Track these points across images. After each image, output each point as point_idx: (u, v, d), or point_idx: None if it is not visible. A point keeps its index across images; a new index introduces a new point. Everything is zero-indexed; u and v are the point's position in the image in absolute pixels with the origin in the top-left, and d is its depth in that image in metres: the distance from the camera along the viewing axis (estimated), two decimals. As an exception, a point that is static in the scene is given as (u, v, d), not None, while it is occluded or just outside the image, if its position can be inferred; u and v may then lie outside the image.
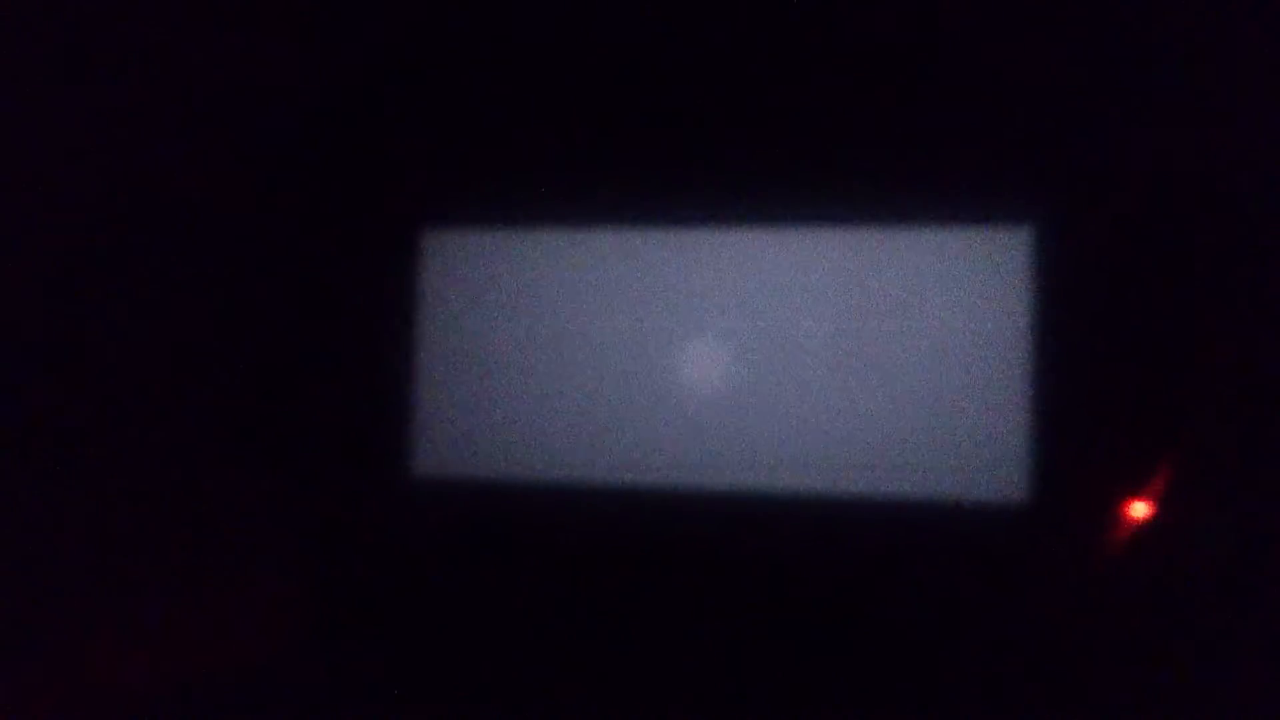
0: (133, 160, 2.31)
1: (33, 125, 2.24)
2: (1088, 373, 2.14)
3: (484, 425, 2.40)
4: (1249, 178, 2.08)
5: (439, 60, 2.38)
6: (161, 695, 2.23)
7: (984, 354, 2.20)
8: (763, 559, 2.26)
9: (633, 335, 2.35)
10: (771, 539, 2.26)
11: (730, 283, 2.32)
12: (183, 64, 2.31)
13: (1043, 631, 2.12)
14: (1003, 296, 2.20)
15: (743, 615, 2.26)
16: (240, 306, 2.38)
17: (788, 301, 2.30)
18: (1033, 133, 2.17)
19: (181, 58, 2.30)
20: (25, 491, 2.22)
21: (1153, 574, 2.09)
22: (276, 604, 2.37)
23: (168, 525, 2.33)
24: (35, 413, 2.23)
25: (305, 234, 2.41)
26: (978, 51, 2.19)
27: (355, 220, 2.41)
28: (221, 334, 2.37)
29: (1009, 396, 2.18)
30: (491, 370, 2.40)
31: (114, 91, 2.28)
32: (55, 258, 2.27)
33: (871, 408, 2.25)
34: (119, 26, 2.29)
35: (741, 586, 2.26)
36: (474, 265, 2.41)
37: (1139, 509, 2.10)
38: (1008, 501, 2.17)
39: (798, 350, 2.29)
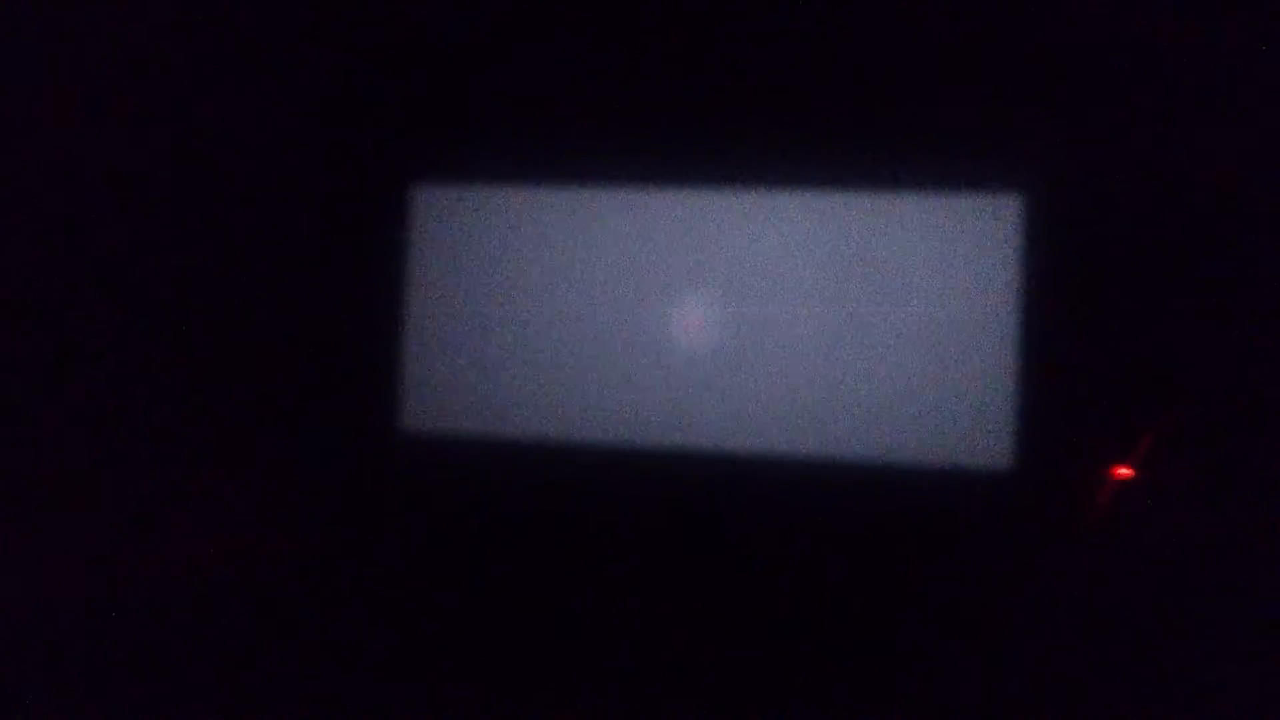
0: (125, 118, 2.29)
1: (31, 77, 2.22)
2: (1074, 340, 2.17)
3: (472, 380, 2.41)
4: (1240, 149, 2.10)
5: (432, 16, 2.37)
6: (155, 648, 2.24)
7: (972, 319, 2.22)
8: (748, 518, 2.29)
9: (622, 293, 2.36)
10: (756, 499, 2.29)
11: (721, 243, 2.34)
12: (178, 24, 2.29)
13: (1026, 591, 2.15)
14: (992, 262, 2.22)
15: (728, 572, 2.29)
16: (230, 263, 2.38)
17: (778, 263, 2.31)
18: (1025, 102, 2.18)
19: (177, 18, 2.29)
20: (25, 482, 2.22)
21: (1133, 538, 2.12)
22: (265, 557, 2.38)
23: (153, 481, 2.33)
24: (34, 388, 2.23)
25: (295, 189, 2.40)
26: (972, 18, 2.19)
27: (345, 175, 2.40)
28: (212, 291, 2.37)
29: (996, 362, 2.21)
30: (480, 326, 2.41)
31: (113, 45, 2.26)
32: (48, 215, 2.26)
33: (859, 371, 2.27)
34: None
35: (727, 544, 2.29)
36: (464, 221, 2.41)
37: (1121, 475, 2.13)
38: (993, 466, 2.20)
39: (787, 311, 2.31)
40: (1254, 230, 2.11)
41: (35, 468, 2.24)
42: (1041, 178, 2.18)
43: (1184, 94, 2.13)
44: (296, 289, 2.39)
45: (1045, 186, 2.18)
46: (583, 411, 2.37)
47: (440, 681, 2.27)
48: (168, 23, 2.28)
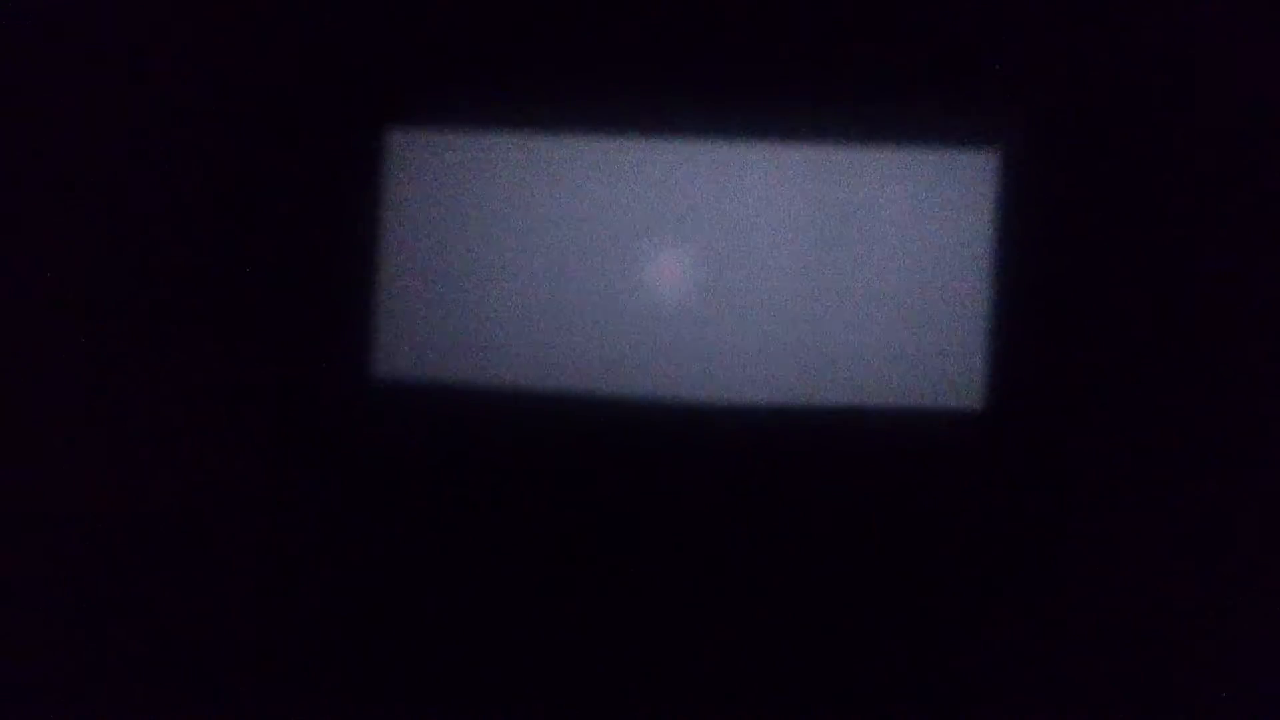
0: (92, 65, 2.23)
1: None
2: (1046, 292, 2.25)
3: (446, 328, 2.41)
4: (1218, 105, 2.17)
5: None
6: (116, 603, 2.21)
7: (946, 271, 2.29)
8: (725, 467, 2.33)
9: (598, 243, 2.38)
10: (734, 447, 2.32)
11: (697, 194, 2.37)
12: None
13: (999, 532, 2.23)
14: (968, 214, 2.29)
15: (704, 523, 2.32)
16: (200, 207, 2.34)
17: (755, 214, 2.35)
18: (1003, 57, 2.24)
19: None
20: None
21: (1103, 485, 2.21)
22: (234, 508, 2.35)
23: (117, 430, 2.29)
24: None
25: (266, 132, 2.36)
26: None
27: (318, 118, 2.37)
28: (181, 235, 2.33)
29: (969, 312, 2.29)
30: (455, 273, 2.41)
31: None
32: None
33: (835, 320, 2.33)
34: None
35: (703, 494, 2.32)
36: (440, 166, 2.40)
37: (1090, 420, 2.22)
38: (964, 409, 2.27)
39: (763, 262, 2.35)
40: (1232, 190, 2.17)
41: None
42: (1019, 133, 2.25)
43: (1166, 51, 2.18)
44: (268, 235, 2.36)
45: (1023, 142, 2.25)
46: (557, 360, 2.38)
47: (412, 638, 2.28)
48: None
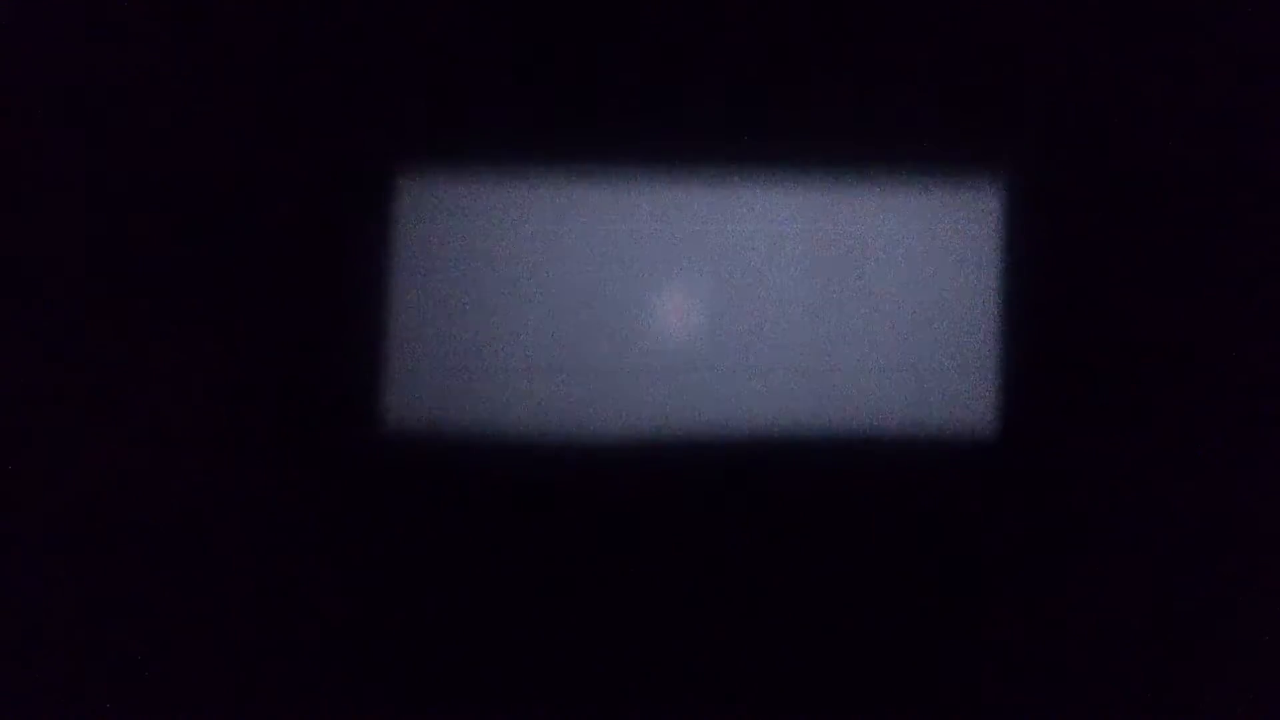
0: (101, 103, 2.31)
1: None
2: (1053, 318, 2.21)
3: (458, 375, 2.41)
4: (1223, 129, 2.15)
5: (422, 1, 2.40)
6: (129, 647, 2.22)
7: (955, 299, 2.26)
8: (736, 504, 2.30)
9: (609, 286, 2.38)
10: (750, 482, 2.29)
11: (707, 234, 2.37)
12: (157, 9, 2.31)
13: (1012, 555, 2.17)
14: (974, 246, 2.26)
15: (717, 557, 2.29)
16: (210, 254, 2.38)
17: (764, 252, 2.34)
18: (1007, 87, 2.23)
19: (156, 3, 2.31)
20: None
21: (1113, 508, 2.15)
22: (243, 558, 2.36)
23: (127, 477, 2.32)
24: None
25: (276, 177, 2.41)
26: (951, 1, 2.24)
27: (329, 164, 2.42)
28: (190, 282, 2.37)
29: (978, 339, 2.25)
30: (466, 319, 2.42)
31: (88, 28, 2.29)
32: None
33: (843, 354, 2.30)
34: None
35: (716, 530, 2.29)
36: (451, 212, 2.43)
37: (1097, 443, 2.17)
38: (976, 435, 2.22)
39: (773, 299, 2.33)
40: (1239, 212, 2.15)
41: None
42: (1024, 162, 2.22)
43: (1170, 77, 2.17)
44: (278, 280, 2.40)
45: (1027, 171, 2.22)
46: (570, 404, 2.38)
47: (426, 683, 2.26)
48: (146, 5, 2.30)
